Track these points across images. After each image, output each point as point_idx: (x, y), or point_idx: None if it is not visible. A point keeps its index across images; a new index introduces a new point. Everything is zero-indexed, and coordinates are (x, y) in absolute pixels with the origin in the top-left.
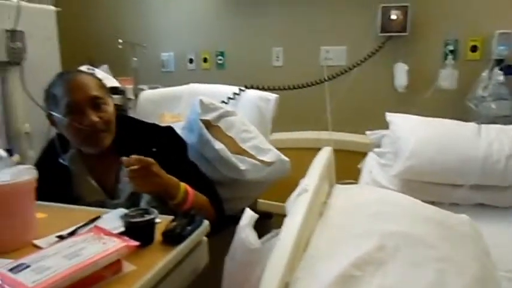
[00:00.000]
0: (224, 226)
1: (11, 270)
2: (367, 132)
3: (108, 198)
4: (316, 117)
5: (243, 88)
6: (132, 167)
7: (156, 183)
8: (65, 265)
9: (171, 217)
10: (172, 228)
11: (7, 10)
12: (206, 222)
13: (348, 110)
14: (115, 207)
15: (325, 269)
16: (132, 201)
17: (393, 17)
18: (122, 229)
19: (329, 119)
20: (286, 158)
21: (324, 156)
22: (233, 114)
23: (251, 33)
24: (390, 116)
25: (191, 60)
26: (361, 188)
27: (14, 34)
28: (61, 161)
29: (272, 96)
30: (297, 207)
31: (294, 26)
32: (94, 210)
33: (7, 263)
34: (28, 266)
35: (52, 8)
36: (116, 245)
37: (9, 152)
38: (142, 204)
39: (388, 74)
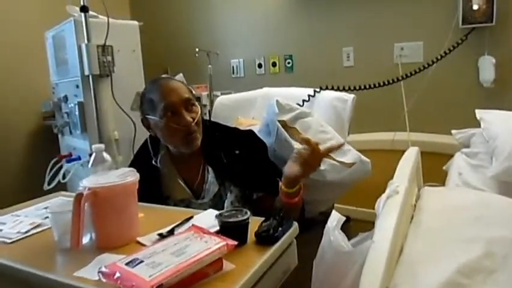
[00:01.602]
0: (304, 228)
1: (127, 264)
2: (453, 132)
3: (194, 198)
4: (391, 118)
5: (318, 90)
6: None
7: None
8: (175, 261)
9: (260, 218)
10: (265, 229)
11: (98, 27)
12: (296, 224)
13: (427, 109)
14: (200, 206)
15: (427, 275)
16: (216, 201)
17: (475, 6)
18: (217, 228)
19: (406, 119)
20: (367, 159)
21: (411, 157)
22: (309, 115)
23: (319, 36)
24: (481, 113)
25: (260, 65)
26: (454, 190)
27: (104, 49)
28: (153, 162)
29: (349, 96)
30: (388, 210)
31: (364, 24)
32: (185, 210)
33: (120, 258)
34: (142, 261)
35: (136, 23)
36: (217, 243)
37: None
38: (226, 204)
39: (472, 68)
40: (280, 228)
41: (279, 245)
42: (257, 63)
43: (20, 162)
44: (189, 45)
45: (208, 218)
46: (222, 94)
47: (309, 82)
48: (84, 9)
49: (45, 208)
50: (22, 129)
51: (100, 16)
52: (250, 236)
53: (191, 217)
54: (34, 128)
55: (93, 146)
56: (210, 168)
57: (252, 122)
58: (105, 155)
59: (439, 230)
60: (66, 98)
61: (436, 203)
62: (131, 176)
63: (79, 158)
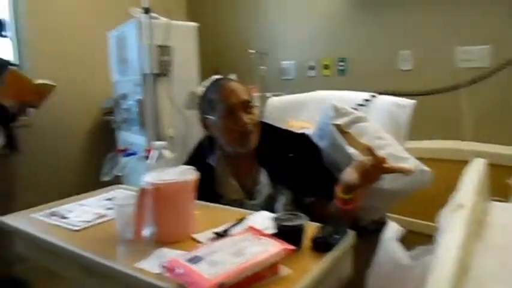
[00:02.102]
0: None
1: (189, 261)
2: None
3: (246, 199)
4: (452, 126)
5: (374, 94)
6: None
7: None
8: (234, 262)
9: (315, 223)
10: (322, 235)
11: (159, 28)
12: (352, 232)
13: (492, 118)
14: (253, 207)
15: None
16: (268, 203)
17: None
18: (272, 231)
19: (468, 128)
20: (427, 168)
21: (477, 169)
22: (365, 121)
23: (375, 38)
24: None
25: (312, 67)
26: None
27: (163, 49)
28: (208, 161)
29: (408, 102)
30: (453, 224)
31: (423, 26)
32: (238, 211)
33: (179, 253)
34: (202, 259)
35: (194, 24)
36: (275, 247)
37: None
38: (279, 207)
39: None
40: (336, 235)
41: (335, 252)
42: (308, 65)
43: (81, 154)
44: (240, 47)
45: (261, 220)
46: (274, 96)
47: (362, 86)
48: (147, 11)
49: (107, 199)
50: (84, 124)
51: (161, 17)
52: (305, 241)
53: (244, 218)
54: (94, 122)
55: (155, 143)
56: (263, 170)
57: (304, 124)
58: (166, 152)
59: (508, 247)
60: (125, 96)
61: (504, 219)
62: (191, 174)
63: (135, 153)
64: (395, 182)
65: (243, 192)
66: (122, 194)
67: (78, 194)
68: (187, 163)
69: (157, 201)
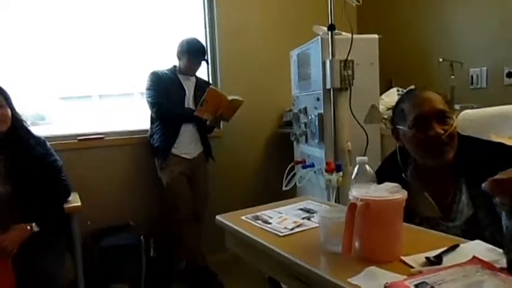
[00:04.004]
0: None
1: (416, 286)
2: None
3: (442, 218)
4: None
5: None
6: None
7: None
8: None
9: None
10: None
11: (342, 43)
12: None
13: None
14: (450, 229)
15: None
16: (470, 227)
17: None
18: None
19: None
20: None
21: None
22: None
23: None
24: None
25: (509, 74)
26: None
27: (346, 63)
28: (403, 175)
29: None
30: None
31: None
32: (446, 236)
33: (396, 276)
34: (431, 287)
35: (376, 36)
36: None
37: (339, 167)
38: (486, 235)
39: None
40: None
41: None
42: (505, 71)
43: (261, 163)
44: (416, 55)
45: (481, 251)
46: (463, 108)
47: None
48: (331, 27)
49: (300, 209)
50: (263, 136)
51: (342, 33)
52: None
53: (457, 245)
54: (271, 134)
55: (357, 158)
56: (463, 188)
57: (510, 141)
58: (368, 167)
59: None
60: (305, 110)
61: None
62: (400, 193)
63: (313, 165)
64: None
65: (439, 210)
66: (314, 206)
67: (263, 199)
68: (378, 176)
69: (366, 217)
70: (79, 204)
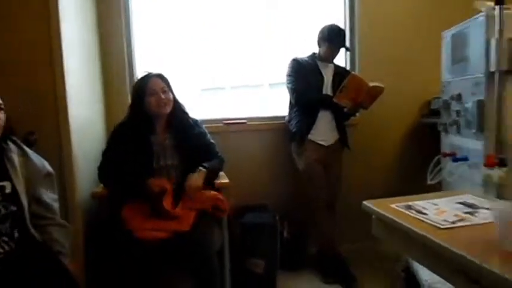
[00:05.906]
0: None
1: None
2: None
3: None
4: None
5: None
6: None
7: None
8: None
9: None
10: None
11: (510, 19)
12: None
13: None
14: None
15: None
16: None
17: None
18: None
19: None
20: None
21: None
22: None
23: None
24: None
25: None
26: None
27: None
28: None
29: None
30: None
31: None
32: None
33: None
34: None
35: None
36: None
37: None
38: None
39: None
40: None
41: None
42: None
43: (400, 154)
44: None
45: None
46: None
47: None
48: (500, 1)
49: (459, 203)
50: (403, 125)
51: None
52: None
53: None
54: (411, 124)
55: None
56: None
57: None
58: None
59: None
60: (459, 96)
61: None
62: None
63: (466, 158)
64: None
65: None
66: (477, 201)
67: (401, 193)
68: None
69: None
70: (227, 181)
